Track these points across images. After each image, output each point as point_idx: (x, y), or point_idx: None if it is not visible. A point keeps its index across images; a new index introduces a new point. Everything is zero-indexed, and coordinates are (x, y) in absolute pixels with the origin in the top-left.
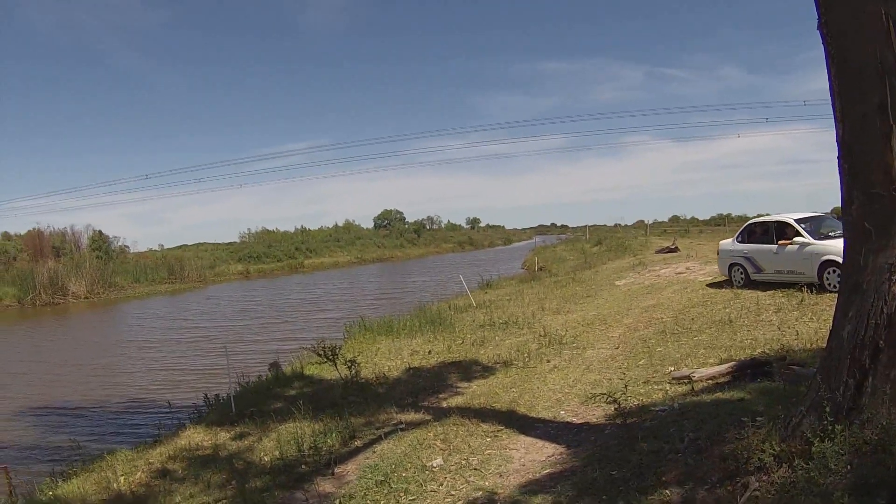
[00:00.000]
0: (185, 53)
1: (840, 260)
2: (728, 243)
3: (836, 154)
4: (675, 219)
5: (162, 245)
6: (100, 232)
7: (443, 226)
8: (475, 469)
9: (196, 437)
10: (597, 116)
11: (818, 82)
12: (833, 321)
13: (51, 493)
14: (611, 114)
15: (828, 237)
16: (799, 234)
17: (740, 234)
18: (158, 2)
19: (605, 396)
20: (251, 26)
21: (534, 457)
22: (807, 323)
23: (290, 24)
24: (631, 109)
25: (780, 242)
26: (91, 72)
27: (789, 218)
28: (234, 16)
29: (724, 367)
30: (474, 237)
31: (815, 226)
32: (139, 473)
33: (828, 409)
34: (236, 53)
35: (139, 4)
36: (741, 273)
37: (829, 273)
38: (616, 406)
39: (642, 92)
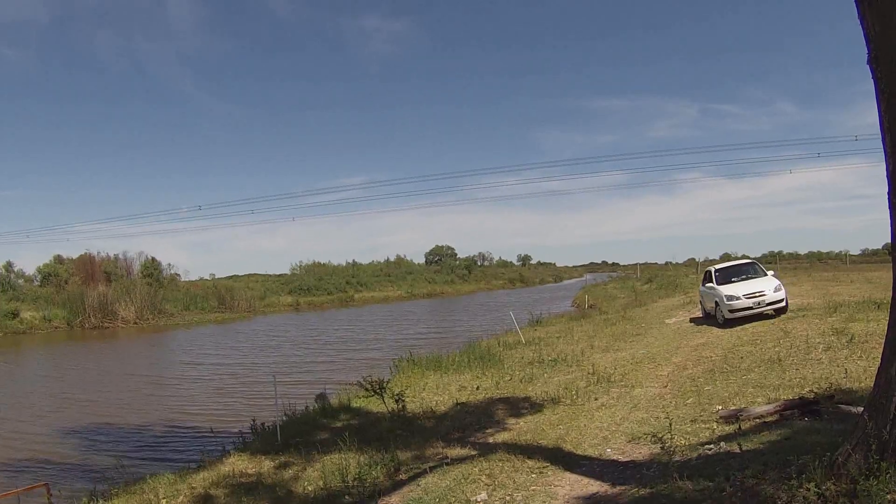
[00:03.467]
0: (244, 85)
1: (725, 300)
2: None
3: (887, 189)
4: (725, 256)
5: (213, 274)
6: (152, 258)
7: (494, 262)
8: None
9: (240, 464)
10: (650, 154)
11: (871, 116)
12: (882, 358)
13: None
14: (663, 151)
15: (728, 282)
16: (711, 280)
17: (703, 278)
18: (222, 31)
19: (651, 436)
20: (312, 59)
21: (578, 494)
22: (856, 361)
23: (351, 57)
24: (684, 146)
25: (706, 285)
26: (152, 102)
27: (712, 267)
28: (295, 48)
29: (771, 407)
30: (525, 274)
31: (727, 273)
32: (181, 497)
33: (874, 447)
34: (296, 87)
35: (203, 34)
36: (700, 309)
37: (718, 310)
38: (661, 445)
39: (696, 129)
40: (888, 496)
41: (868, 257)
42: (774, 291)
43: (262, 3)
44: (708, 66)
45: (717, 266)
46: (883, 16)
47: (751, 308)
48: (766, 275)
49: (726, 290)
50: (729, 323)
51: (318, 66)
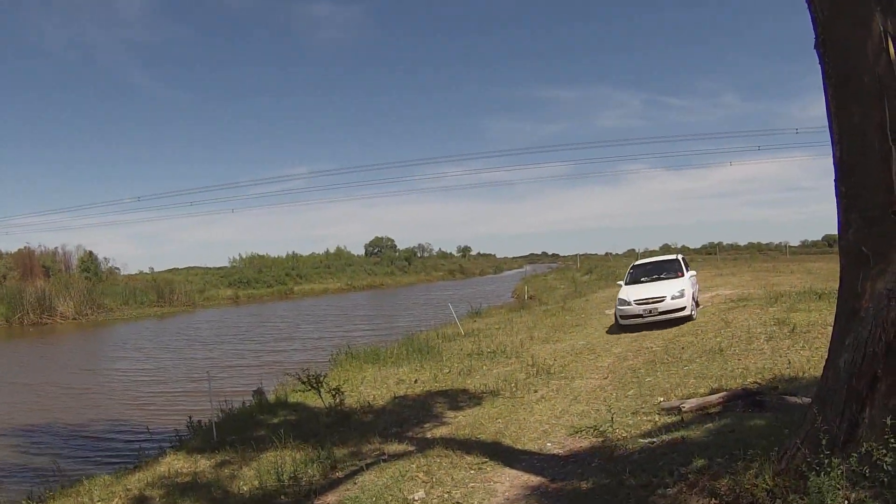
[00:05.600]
0: (190, 72)
1: (617, 304)
2: None
3: (833, 177)
4: (665, 247)
5: (152, 268)
6: (90, 252)
7: (434, 254)
8: (457, 503)
9: (176, 463)
10: (596, 145)
11: (816, 109)
12: (829, 350)
13: None
14: (606, 142)
15: (636, 282)
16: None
17: None
18: (170, 18)
19: (592, 429)
20: (259, 47)
21: (518, 491)
22: (799, 351)
23: (299, 45)
24: (630, 137)
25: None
26: (95, 89)
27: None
28: (242, 35)
29: (714, 398)
30: (465, 266)
31: (640, 271)
32: (116, 500)
33: (824, 441)
34: (243, 74)
35: (150, 19)
36: None
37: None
38: (603, 438)
39: (642, 120)
40: (840, 492)
41: (808, 248)
42: (673, 298)
43: None
44: (656, 57)
45: (638, 261)
46: (831, 0)
47: (640, 316)
48: (683, 275)
49: (625, 292)
50: (625, 329)
51: (264, 53)
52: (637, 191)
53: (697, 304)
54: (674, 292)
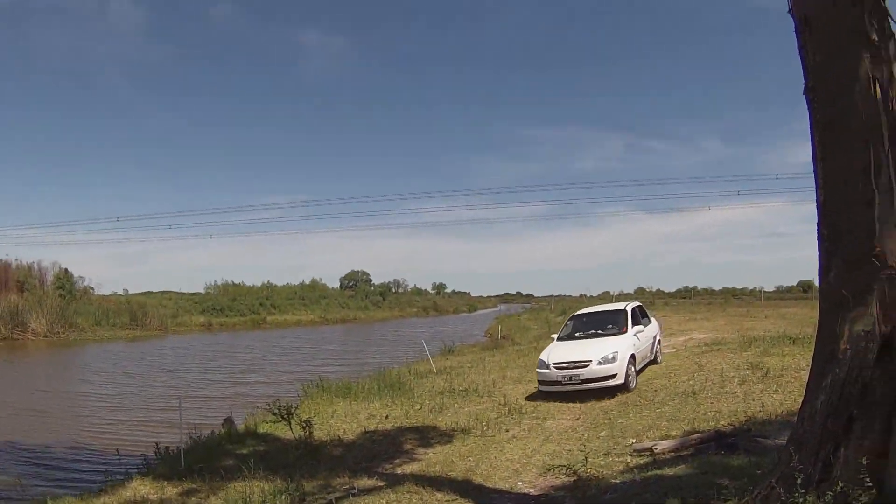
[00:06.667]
0: (176, 94)
1: (544, 360)
2: None
3: (816, 221)
4: (640, 291)
5: (126, 290)
6: (65, 270)
7: (409, 289)
8: None
9: (142, 489)
10: (573, 186)
11: (796, 156)
12: (805, 391)
13: None
14: (585, 184)
15: (571, 338)
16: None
17: None
18: (162, 36)
19: (564, 468)
20: (247, 73)
21: None
22: (772, 395)
23: (286, 74)
24: (609, 180)
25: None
26: (83, 102)
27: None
28: (230, 61)
29: (687, 440)
30: (439, 303)
31: (580, 324)
32: None
33: (799, 481)
34: (228, 100)
35: (140, 37)
36: None
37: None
38: (575, 478)
39: (622, 162)
40: None
41: (782, 294)
42: (601, 364)
43: (202, 11)
44: (637, 101)
45: (579, 311)
46: (822, 46)
47: (559, 383)
48: (627, 331)
49: (549, 351)
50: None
51: (252, 80)
52: (615, 233)
53: (656, 360)
54: (604, 354)
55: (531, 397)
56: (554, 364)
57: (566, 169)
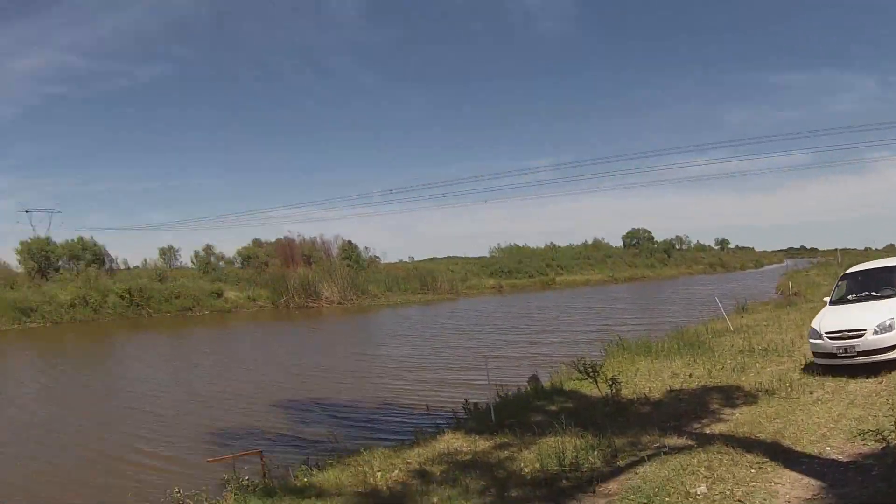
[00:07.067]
0: (418, 71)
1: (815, 329)
2: None
3: None
4: None
5: (412, 257)
6: (349, 241)
7: (691, 246)
8: (739, 501)
9: (455, 442)
10: (830, 132)
11: None
12: None
13: (305, 479)
14: (844, 129)
15: (844, 301)
16: None
17: None
18: (385, 21)
19: (874, 434)
20: (487, 41)
21: (799, 494)
22: None
23: (525, 36)
24: (868, 122)
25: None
26: (327, 89)
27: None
28: (468, 32)
29: None
30: (725, 259)
31: (856, 283)
32: (396, 472)
33: None
34: (469, 69)
35: (364, 21)
36: None
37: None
38: (885, 444)
39: (878, 102)
40: None
41: None
42: (876, 333)
43: None
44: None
45: (853, 268)
46: None
47: (834, 356)
48: None
49: (821, 317)
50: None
51: (485, 46)
52: (886, 180)
53: None
54: (880, 321)
55: None
56: (826, 333)
57: (822, 114)
